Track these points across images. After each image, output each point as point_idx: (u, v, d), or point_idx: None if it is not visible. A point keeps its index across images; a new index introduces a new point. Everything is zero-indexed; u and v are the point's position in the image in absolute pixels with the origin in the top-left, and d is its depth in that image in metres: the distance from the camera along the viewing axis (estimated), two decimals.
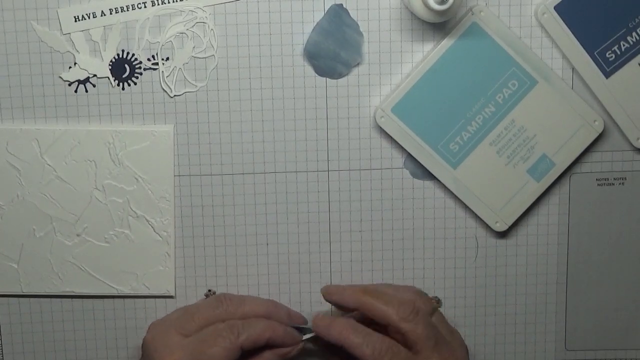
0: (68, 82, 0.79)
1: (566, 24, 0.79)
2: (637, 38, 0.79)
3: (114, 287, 0.82)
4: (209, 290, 0.82)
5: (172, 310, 0.82)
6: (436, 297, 0.83)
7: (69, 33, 0.78)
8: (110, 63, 0.79)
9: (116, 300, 0.83)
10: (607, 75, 0.80)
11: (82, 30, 0.78)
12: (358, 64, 0.80)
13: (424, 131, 0.80)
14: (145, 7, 0.78)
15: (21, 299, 0.83)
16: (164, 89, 0.80)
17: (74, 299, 0.83)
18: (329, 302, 0.79)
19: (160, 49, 0.79)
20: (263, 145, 0.81)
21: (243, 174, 0.81)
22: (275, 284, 0.83)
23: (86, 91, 0.79)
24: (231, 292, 0.82)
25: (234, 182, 0.81)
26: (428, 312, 0.77)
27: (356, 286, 0.80)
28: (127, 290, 0.82)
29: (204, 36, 0.79)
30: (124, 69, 0.79)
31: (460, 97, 0.80)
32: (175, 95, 0.80)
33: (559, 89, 0.80)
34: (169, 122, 0.80)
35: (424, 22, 0.79)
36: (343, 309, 0.80)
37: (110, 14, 0.78)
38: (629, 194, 0.83)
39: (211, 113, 0.80)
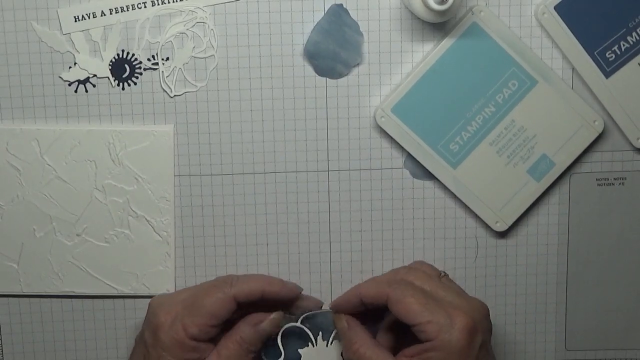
0: (68, 82, 0.79)
1: (566, 24, 0.79)
2: (637, 38, 0.79)
3: (114, 287, 0.82)
4: None
5: None
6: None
7: (69, 33, 0.78)
8: (110, 63, 0.79)
9: (116, 300, 0.83)
10: (607, 75, 0.80)
11: (82, 30, 0.78)
12: (358, 64, 0.80)
13: (424, 131, 0.80)
14: (145, 7, 0.78)
15: (21, 299, 0.83)
16: (164, 89, 0.80)
17: (74, 299, 0.83)
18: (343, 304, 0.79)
19: (160, 49, 0.79)
20: (263, 145, 0.81)
21: (243, 174, 0.81)
22: None
23: (86, 91, 0.79)
24: None
25: (234, 182, 0.81)
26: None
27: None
28: (127, 290, 0.82)
29: (204, 36, 0.79)
30: (124, 69, 0.79)
31: (460, 97, 0.80)
32: (175, 95, 0.80)
33: (559, 89, 0.80)
34: (169, 122, 0.80)
35: (424, 22, 0.79)
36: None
37: (110, 14, 0.78)
38: (629, 194, 0.83)
39: (211, 113, 0.80)
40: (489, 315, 0.77)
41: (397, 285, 0.76)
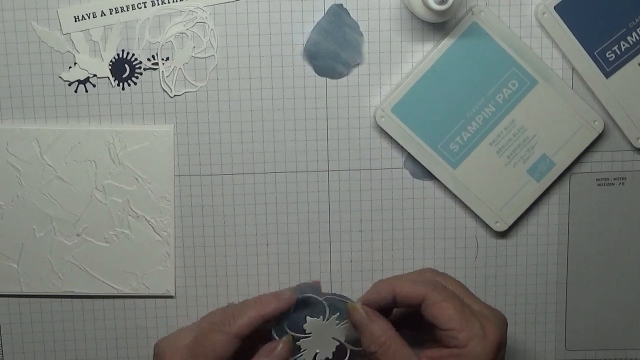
0: (68, 82, 0.79)
1: (566, 24, 0.79)
2: (637, 38, 0.79)
3: (114, 287, 0.82)
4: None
5: (174, 311, 0.83)
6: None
7: (69, 33, 0.78)
8: (110, 63, 0.79)
9: (116, 300, 0.83)
10: (607, 75, 0.80)
11: (82, 30, 0.78)
12: (358, 64, 0.80)
13: (424, 131, 0.80)
14: (145, 7, 0.78)
15: (21, 299, 0.83)
16: (164, 89, 0.80)
17: (74, 299, 0.83)
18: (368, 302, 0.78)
19: (160, 49, 0.79)
20: (263, 145, 0.81)
21: (243, 174, 0.81)
22: (275, 284, 0.83)
23: (86, 91, 0.79)
24: (232, 293, 0.82)
25: (234, 182, 0.81)
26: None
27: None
28: (127, 290, 0.82)
29: (204, 36, 0.79)
30: (124, 69, 0.79)
31: (460, 97, 0.80)
32: (175, 95, 0.80)
33: (559, 89, 0.80)
34: (169, 122, 0.80)
35: (424, 22, 0.79)
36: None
37: (110, 14, 0.78)
38: (629, 194, 0.83)
39: (211, 113, 0.80)
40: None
41: (434, 287, 0.75)
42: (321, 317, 0.78)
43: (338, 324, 0.78)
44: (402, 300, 0.76)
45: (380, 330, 0.75)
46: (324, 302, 0.78)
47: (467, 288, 0.78)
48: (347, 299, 0.78)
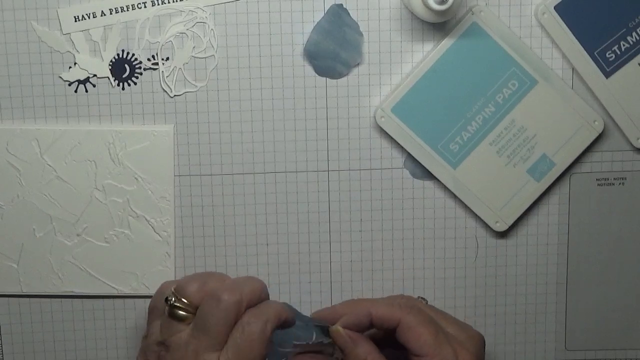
0: (68, 82, 0.79)
1: (566, 24, 0.79)
2: (637, 38, 0.79)
3: (114, 287, 0.82)
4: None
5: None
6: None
7: (69, 33, 0.78)
8: (110, 63, 0.79)
9: (116, 300, 0.83)
10: (607, 75, 0.80)
11: (82, 30, 0.78)
12: (358, 64, 0.80)
13: (424, 131, 0.80)
14: (145, 7, 0.78)
15: (21, 299, 0.83)
16: (164, 89, 0.80)
17: (74, 299, 0.83)
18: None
19: (160, 49, 0.79)
20: (263, 145, 0.81)
21: (243, 174, 0.81)
22: (276, 284, 0.83)
23: (86, 91, 0.79)
24: None
25: (234, 182, 0.82)
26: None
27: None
28: (127, 290, 0.82)
29: (204, 36, 0.79)
30: (124, 69, 0.79)
31: (460, 97, 0.80)
32: (175, 95, 0.80)
33: (559, 89, 0.80)
34: (169, 122, 0.80)
35: (424, 22, 0.79)
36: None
37: (110, 14, 0.78)
38: (629, 194, 0.83)
39: (211, 113, 0.80)
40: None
41: (410, 311, 0.75)
42: (308, 339, 0.78)
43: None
44: (378, 323, 0.76)
45: (364, 353, 0.76)
46: (310, 324, 0.78)
47: (442, 311, 0.79)
48: (325, 324, 0.79)
